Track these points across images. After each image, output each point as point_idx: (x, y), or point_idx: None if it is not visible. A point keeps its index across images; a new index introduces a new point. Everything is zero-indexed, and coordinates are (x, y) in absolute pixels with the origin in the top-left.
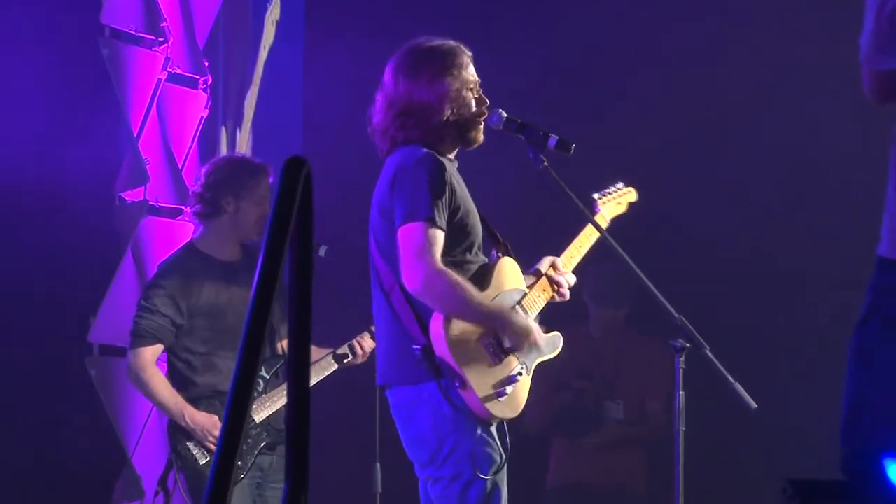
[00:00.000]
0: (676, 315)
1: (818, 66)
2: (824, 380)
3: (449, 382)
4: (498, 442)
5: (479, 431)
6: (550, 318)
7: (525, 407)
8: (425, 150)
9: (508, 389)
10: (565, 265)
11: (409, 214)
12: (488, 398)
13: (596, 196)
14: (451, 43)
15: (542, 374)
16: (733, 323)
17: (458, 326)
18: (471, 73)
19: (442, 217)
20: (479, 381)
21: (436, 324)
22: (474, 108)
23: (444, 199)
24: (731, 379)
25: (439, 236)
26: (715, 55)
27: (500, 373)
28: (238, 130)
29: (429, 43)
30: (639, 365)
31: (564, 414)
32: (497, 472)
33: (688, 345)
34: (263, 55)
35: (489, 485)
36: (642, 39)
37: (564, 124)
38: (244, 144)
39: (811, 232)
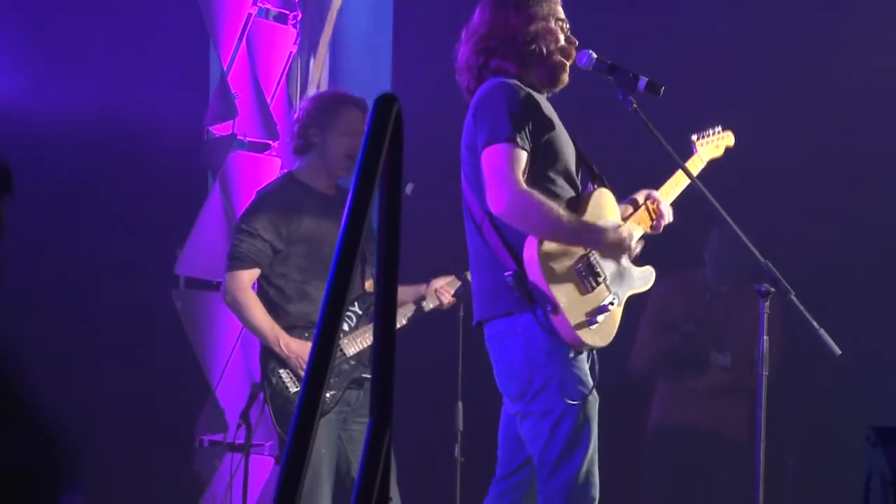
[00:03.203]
0: (762, 259)
1: None
2: None
3: (541, 308)
4: (588, 372)
5: (569, 362)
6: (669, 262)
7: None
8: (508, 79)
9: (600, 318)
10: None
11: (491, 137)
12: (579, 325)
13: (694, 137)
14: None
15: (652, 315)
16: (817, 268)
17: (551, 252)
18: (560, 9)
19: (525, 139)
20: (571, 307)
21: (529, 248)
22: (562, 42)
23: (526, 122)
24: (815, 324)
25: (522, 157)
26: None
27: (591, 301)
28: (312, 60)
29: None
30: (752, 321)
31: (670, 357)
32: (582, 406)
33: (773, 289)
34: (337, 2)
35: (579, 420)
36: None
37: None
38: (318, 77)
39: None
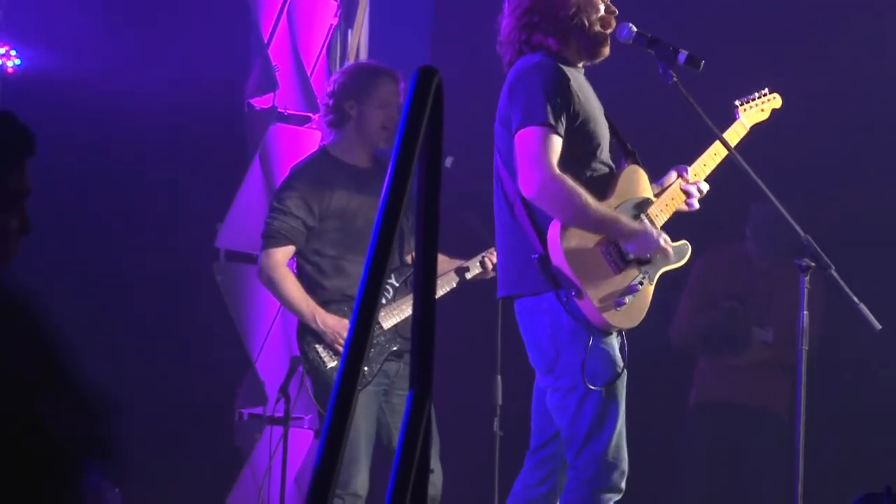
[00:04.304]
0: (803, 234)
1: None
2: None
3: (566, 292)
4: (617, 353)
5: (596, 342)
6: (709, 235)
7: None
8: (545, 57)
9: (627, 299)
10: (697, 174)
11: (526, 119)
12: (605, 307)
13: (737, 102)
14: None
15: (693, 290)
16: (855, 242)
17: (576, 235)
18: None
19: (560, 122)
20: (597, 289)
21: (553, 232)
22: (602, 13)
23: (561, 104)
24: (856, 299)
25: (556, 141)
26: None
27: (619, 282)
28: (350, 32)
29: None
30: (793, 296)
31: (711, 332)
32: (611, 384)
33: (813, 264)
34: None
35: (606, 397)
36: None
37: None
38: (356, 48)
39: None
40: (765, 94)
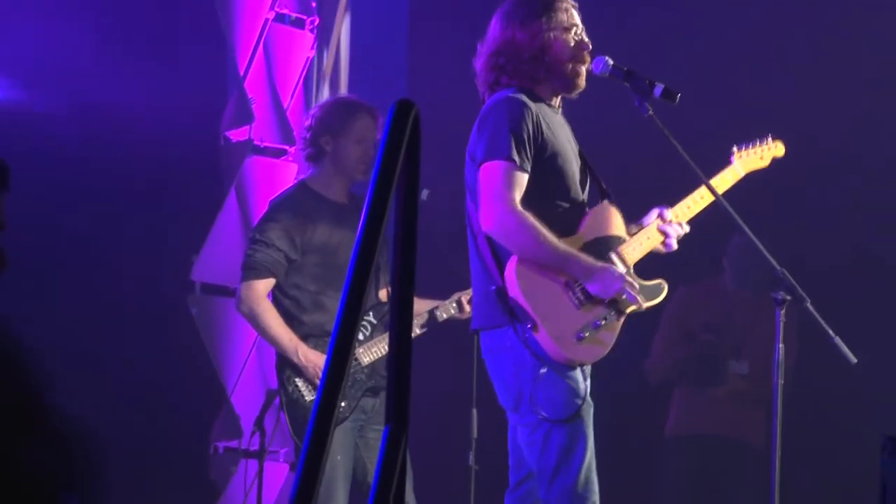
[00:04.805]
0: (778, 267)
1: None
2: None
3: (523, 326)
4: (581, 386)
5: (557, 377)
6: (685, 270)
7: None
8: (514, 92)
9: (587, 333)
10: (679, 216)
11: (489, 153)
12: (563, 341)
13: (735, 148)
14: None
15: (669, 324)
16: (832, 277)
17: (536, 268)
18: (570, 16)
19: (524, 157)
20: (554, 323)
21: (511, 264)
22: (570, 50)
23: (526, 139)
24: (831, 332)
25: (519, 176)
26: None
27: (580, 317)
28: (325, 54)
29: None
30: (770, 329)
31: (688, 365)
32: (574, 417)
33: (789, 298)
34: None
35: (572, 430)
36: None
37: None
38: (329, 76)
39: None
40: (766, 142)
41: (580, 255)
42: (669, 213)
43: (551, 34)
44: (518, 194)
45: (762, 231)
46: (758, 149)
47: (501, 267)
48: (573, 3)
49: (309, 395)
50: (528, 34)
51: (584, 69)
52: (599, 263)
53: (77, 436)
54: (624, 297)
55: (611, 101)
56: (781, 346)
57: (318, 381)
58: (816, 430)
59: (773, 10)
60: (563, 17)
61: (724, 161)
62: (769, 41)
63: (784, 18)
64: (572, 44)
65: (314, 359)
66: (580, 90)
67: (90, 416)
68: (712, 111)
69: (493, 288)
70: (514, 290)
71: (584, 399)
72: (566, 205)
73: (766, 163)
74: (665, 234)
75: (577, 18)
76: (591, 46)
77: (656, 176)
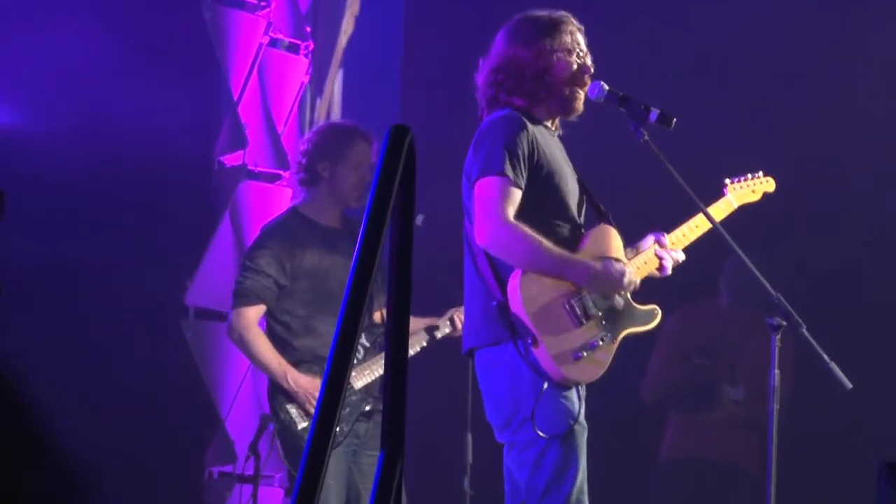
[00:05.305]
0: (774, 293)
1: None
2: None
3: (524, 342)
4: (575, 406)
5: (554, 394)
6: (682, 292)
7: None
8: (511, 111)
9: (585, 353)
10: (675, 243)
11: (484, 170)
12: (562, 360)
13: (727, 181)
14: (561, 12)
15: (665, 346)
16: (827, 303)
17: (537, 284)
18: (575, 38)
19: (519, 174)
20: (554, 340)
21: (513, 280)
22: (572, 73)
23: (521, 156)
24: (826, 358)
25: (513, 192)
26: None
27: (578, 336)
28: (318, 100)
29: (537, 12)
30: (765, 354)
31: (682, 388)
32: (567, 436)
33: (784, 323)
34: (343, 41)
35: (565, 450)
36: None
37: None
38: (327, 104)
39: None
40: (758, 177)
41: (578, 258)
42: (667, 240)
43: (555, 55)
44: (512, 209)
45: (762, 239)
46: (750, 182)
47: (502, 283)
48: (579, 26)
49: (301, 423)
50: (532, 53)
51: (583, 93)
52: (599, 262)
53: (73, 462)
54: (628, 294)
55: (606, 127)
56: (777, 371)
57: (309, 407)
58: (812, 454)
59: (768, 34)
60: (567, 39)
61: (718, 188)
62: (765, 64)
63: (779, 41)
64: (575, 66)
65: (305, 384)
66: (578, 114)
67: (85, 441)
68: (708, 137)
69: (494, 303)
70: (517, 304)
71: (576, 419)
72: (565, 225)
73: (757, 197)
74: (661, 259)
75: (582, 42)
76: (592, 71)
77: (651, 201)
